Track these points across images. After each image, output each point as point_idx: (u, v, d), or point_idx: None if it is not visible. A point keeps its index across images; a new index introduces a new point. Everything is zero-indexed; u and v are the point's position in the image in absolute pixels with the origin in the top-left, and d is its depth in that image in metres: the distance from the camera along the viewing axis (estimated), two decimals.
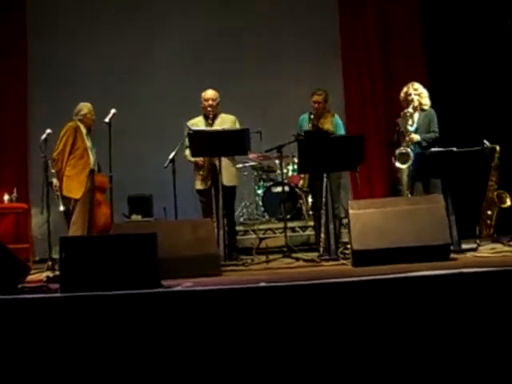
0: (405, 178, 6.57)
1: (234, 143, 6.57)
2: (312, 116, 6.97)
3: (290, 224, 8.06)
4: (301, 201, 8.67)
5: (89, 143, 7.31)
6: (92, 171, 7.25)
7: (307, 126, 6.96)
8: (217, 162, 6.81)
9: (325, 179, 6.50)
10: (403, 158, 6.49)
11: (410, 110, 6.65)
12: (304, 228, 8.50)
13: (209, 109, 7.07)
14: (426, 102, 6.77)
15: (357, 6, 9.50)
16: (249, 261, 6.65)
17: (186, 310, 3.98)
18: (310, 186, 7.10)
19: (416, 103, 6.70)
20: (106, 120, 7.00)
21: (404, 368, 3.74)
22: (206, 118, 7.12)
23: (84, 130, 7.28)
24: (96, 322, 3.92)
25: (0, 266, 4.70)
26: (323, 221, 6.61)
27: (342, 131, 7.07)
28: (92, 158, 7.28)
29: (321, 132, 6.85)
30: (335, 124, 6.99)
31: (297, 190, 8.52)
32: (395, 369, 3.74)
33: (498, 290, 3.89)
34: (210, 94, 7.12)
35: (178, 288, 4.55)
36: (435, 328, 3.81)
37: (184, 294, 4.24)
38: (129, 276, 4.51)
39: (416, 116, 6.71)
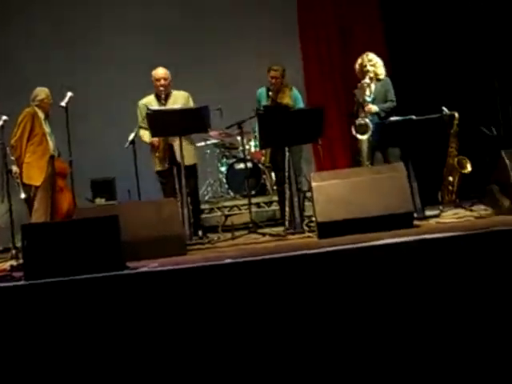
0: (365, 148, 6.58)
1: (193, 121, 6.49)
2: (270, 92, 6.93)
3: (254, 200, 8.04)
4: (264, 176, 8.65)
5: (47, 129, 7.22)
6: (52, 157, 7.17)
7: (266, 102, 6.93)
8: (173, 143, 6.71)
9: (286, 153, 6.49)
10: (362, 128, 6.50)
11: (367, 80, 6.65)
12: (269, 203, 8.48)
13: (161, 88, 6.84)
14: (381, 71, 6.77)
15: None
16: (215, 238, 6.65)
17: (153, 290, 3.97)
18: (272, 161, 7.09)
19: (372, 74, 6.70)
20: (63, 104, 6.83)
21: (371, 338, 3.78)
22: (158, 97, 6.89)
23: (42, 116, 7.19)
24: (62, 308, 3.90)
25: None
26: (287, 195, 6.61)
27: (300, 104, 7.05)
28: (51, 144, 7.20)
29: (280, 107, 6.82)
30: (294, 98, 6.94)
31: (260, 165, 8.50)
32: (363, 339, 3.78)
33: (461, 255, 3.94)
34: (161, 73, 6.90)
35: (144, 269, 4.54)
36: (401, 294, 3.86)
37: (150, 275, 4.24)
38: (93, 260, 4.48)
39: (373, 86, 6.71)
